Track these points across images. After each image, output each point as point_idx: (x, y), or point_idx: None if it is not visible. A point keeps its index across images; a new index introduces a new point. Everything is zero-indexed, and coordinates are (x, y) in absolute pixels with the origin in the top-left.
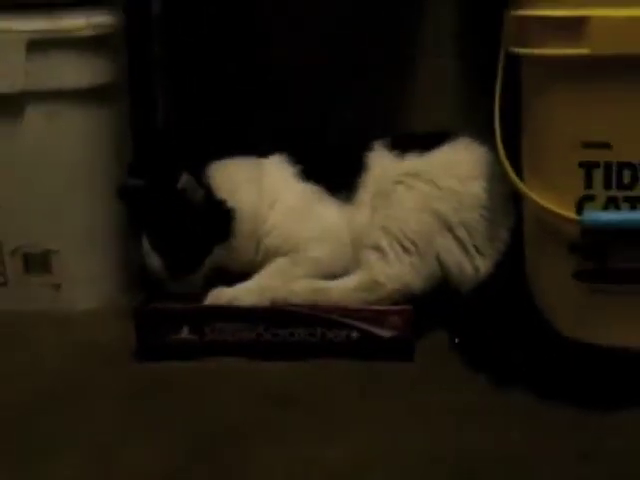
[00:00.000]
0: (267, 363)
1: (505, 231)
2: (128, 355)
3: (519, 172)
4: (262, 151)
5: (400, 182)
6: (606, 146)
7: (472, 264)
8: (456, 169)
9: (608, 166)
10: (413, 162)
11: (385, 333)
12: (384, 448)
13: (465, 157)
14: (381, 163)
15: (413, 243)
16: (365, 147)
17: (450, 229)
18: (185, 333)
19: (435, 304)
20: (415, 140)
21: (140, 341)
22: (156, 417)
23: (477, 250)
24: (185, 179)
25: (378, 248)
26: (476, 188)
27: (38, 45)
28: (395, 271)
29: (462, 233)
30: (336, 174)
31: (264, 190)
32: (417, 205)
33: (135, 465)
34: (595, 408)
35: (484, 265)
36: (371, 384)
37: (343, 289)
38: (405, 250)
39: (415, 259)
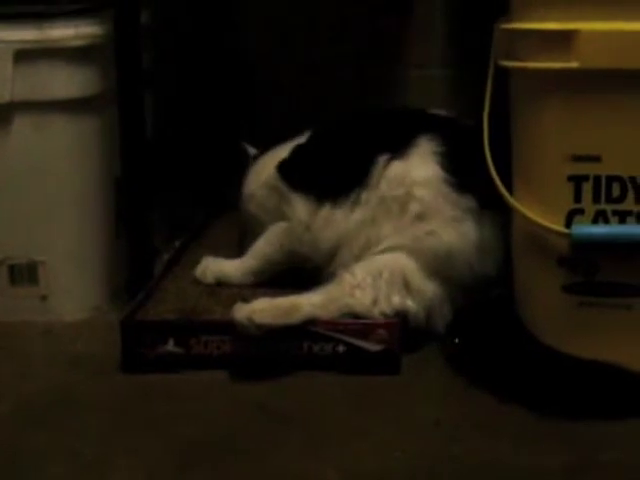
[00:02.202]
0: (253, 376)
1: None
2: (114, 367)
3: (509, 185)
4: None
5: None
6: (595, 159)
7: (451, 305)
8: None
9: (597, 179)
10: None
11: (372, 347)
12: (372, 462)
13: None
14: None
15: (395, 280)
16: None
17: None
18: (171, 345)
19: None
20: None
21: (126, 353)
22: (141, 430)
23: (459, 292)
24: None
25: (356, 277)
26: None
27: (26, 55)
28: (367, 303)
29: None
30: (333, 178)
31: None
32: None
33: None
34: (583, 421)
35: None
36: (358, 398)
37: (312, 304)
38: (382, 284)
39: (395, 297)
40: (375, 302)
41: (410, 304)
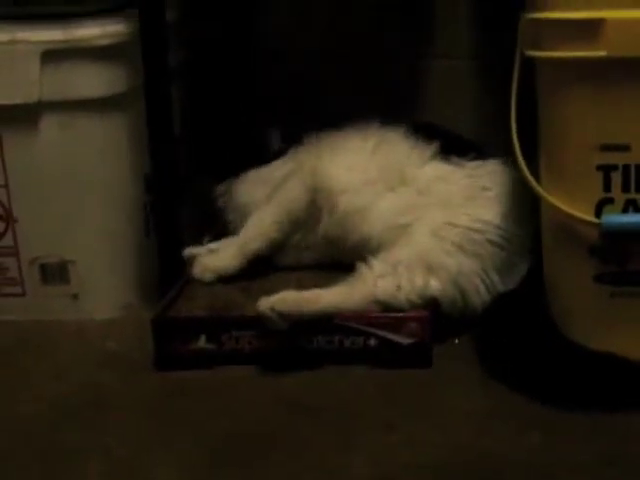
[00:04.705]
0: (285, 371)
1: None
2: (147, 364)
3: (537, 175)
4: None
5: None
6: (624, 148)
7: (488, 290)
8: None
9: (626, 169)
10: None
11: (403, 340)
12: (403, 456)
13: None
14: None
15: (414, 264)
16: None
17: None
18: (202, 342)
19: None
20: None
21: (158, 350)
22: (175, 427)
23: (493, 279)
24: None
25: (374, 270)
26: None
27: (53, 55)
28: (391, 289)
29: (478, 260)
30: None
31: None
32: (432, 230)
33: (154, 477)
34: (612, 414)
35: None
36: (390, 391)
37: (332, 297)
38: (403, 270)
39: (418, 278)
40: (399, 287)
41: (434, 283)
